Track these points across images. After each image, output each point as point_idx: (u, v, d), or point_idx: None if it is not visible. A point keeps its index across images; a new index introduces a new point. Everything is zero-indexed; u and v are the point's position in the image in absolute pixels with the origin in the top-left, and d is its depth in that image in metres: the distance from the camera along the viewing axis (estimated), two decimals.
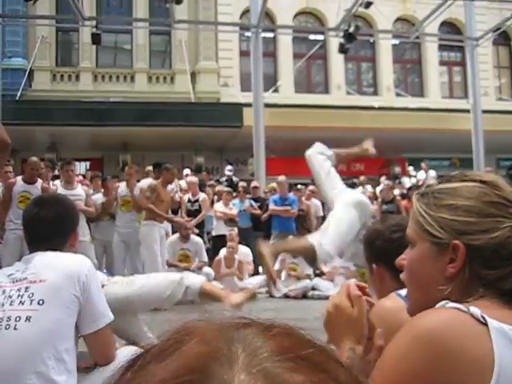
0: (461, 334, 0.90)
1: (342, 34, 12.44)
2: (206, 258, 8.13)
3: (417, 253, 1.10)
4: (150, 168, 9.77)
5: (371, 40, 18.56)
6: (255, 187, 10.63)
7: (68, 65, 18.01)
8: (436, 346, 0.89)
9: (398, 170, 16.86)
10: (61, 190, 6.93)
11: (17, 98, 15.31)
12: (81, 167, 14.98)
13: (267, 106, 12.87)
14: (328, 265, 8.87)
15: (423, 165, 14.58)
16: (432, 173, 13.88)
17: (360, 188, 12.22)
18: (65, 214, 2.33)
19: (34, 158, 7.01)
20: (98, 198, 8.25)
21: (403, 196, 10.95)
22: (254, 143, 12.35)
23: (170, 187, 7.83)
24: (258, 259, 9.55)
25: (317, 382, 0.40)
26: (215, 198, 10.18)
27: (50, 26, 16.66)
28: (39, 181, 6.92)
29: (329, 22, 17.35)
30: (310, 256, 4.06)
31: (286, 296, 8.04)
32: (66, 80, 17.68)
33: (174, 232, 8.28)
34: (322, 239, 4.04)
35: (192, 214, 8.90)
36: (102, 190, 8.53)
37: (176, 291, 3.42)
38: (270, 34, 17.14)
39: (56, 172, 9.90)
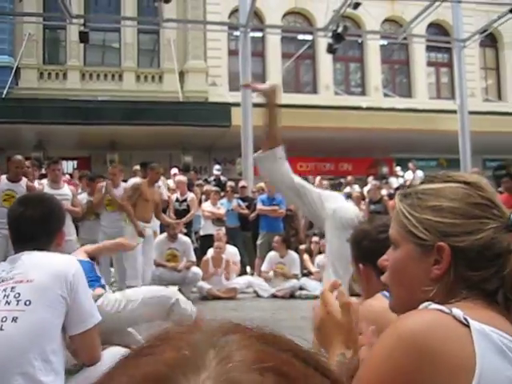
0: (443, 336, 0.91)
1: (330, 34, 12.49)
2: (193, 258, 8.12)
3: (400, 254, 1.10)
4: (138, 167, 9.75)
5: (359, 40, 18.64)
6: (243, 187, 10.63)
7: (55, 63, 17.87)
8: (419, 348, 0.90)
9: (385, 170, 16.94)
10: (47, 190, 6.87)
11: (3, 96, 15.18)
12: (68, 166, 14.87)
13: (255, 105, 12.87)
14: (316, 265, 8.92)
15: (411, 165, 14.67)
16: (419, 173, 13.96)
17: (347, 188, 12.29)
18: (50, 213, 2.32)
19: (19, 157, 6.96)
20: (83, 197, 8.19)
21: (391, 196, 11.00)
22: (242, 143, 12.36)
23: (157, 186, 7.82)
24: (245, 259, 9.59)
25: None
26: (203, 197, 10.17)
27: (36, 24, 16.52)
28: (24, 179, 6.87)
29: (317, 22, 17.39)
30: None
31: (274, 296, 8.05)
32: (54, 78, 17.54)
33: (162, 231, 8.26)
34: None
35: (180, 213, 8.88)
36: (88, 190, 8.48)
37: (164, 316, 3.44)
38: (259, 34, 17.15)
39: (43, 171, 9.82)
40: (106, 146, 15.27)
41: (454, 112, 14.25)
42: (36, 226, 2.24)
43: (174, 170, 11.54)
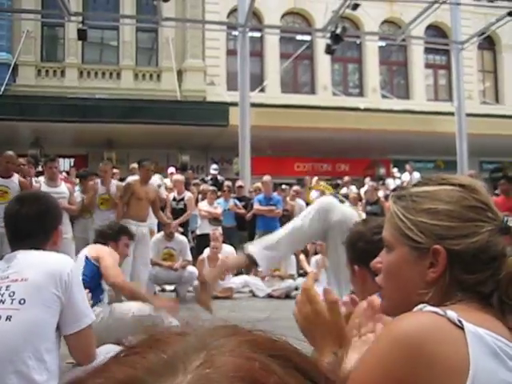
0: (438, 339, 0.91)
1: (328, 34, 12.49)
2: (190, 257, 8.11)
3: (395, 257, 1.10)
4: (135, 165, 9.72)
5: (358, 41, 18.64)
6: (240, 186, 10.62)
7: (53, 60, 17.80)
8: (413, 350, 0.90)
9: (382, 171, 16.94)
10: (44, 188, 6.86)
11: (0, 93, 15.12)
12: (65, 164, 14.84)
13: (253, 105, 12.88)
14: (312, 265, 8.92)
15: (408, 166, 14.66)
16: (416, 175, 13.95)
17: (344, 189, 12.29)
18: (46, 211, 2.31)
19: (10, 152, 6.93)
20: (77, 195, 8.17)
21: (387, 197, 11.02)
22: (239, 142, 12.35)
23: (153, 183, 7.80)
24: None
25: None
26: (200, 196, 10.16)
27: (35, 21, 16.46)
28: (15, 175, 6.85)
29: (316, 22, 17.39)
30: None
31: (270, 296, 8.05)
32: (51, 75, 17.49)
33: (159, 230, 8.25)
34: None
35: (177, 212, 8.87)
36: (81, 188, 8.46)
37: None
38: (257, 34, 17.15)
39: (40, 168, 9.79)
40: (104, 144, 15.23)
41: (452, 114, 14.27)
42: (32, 224, 2.23)
43: (172, 169, 11.53)
